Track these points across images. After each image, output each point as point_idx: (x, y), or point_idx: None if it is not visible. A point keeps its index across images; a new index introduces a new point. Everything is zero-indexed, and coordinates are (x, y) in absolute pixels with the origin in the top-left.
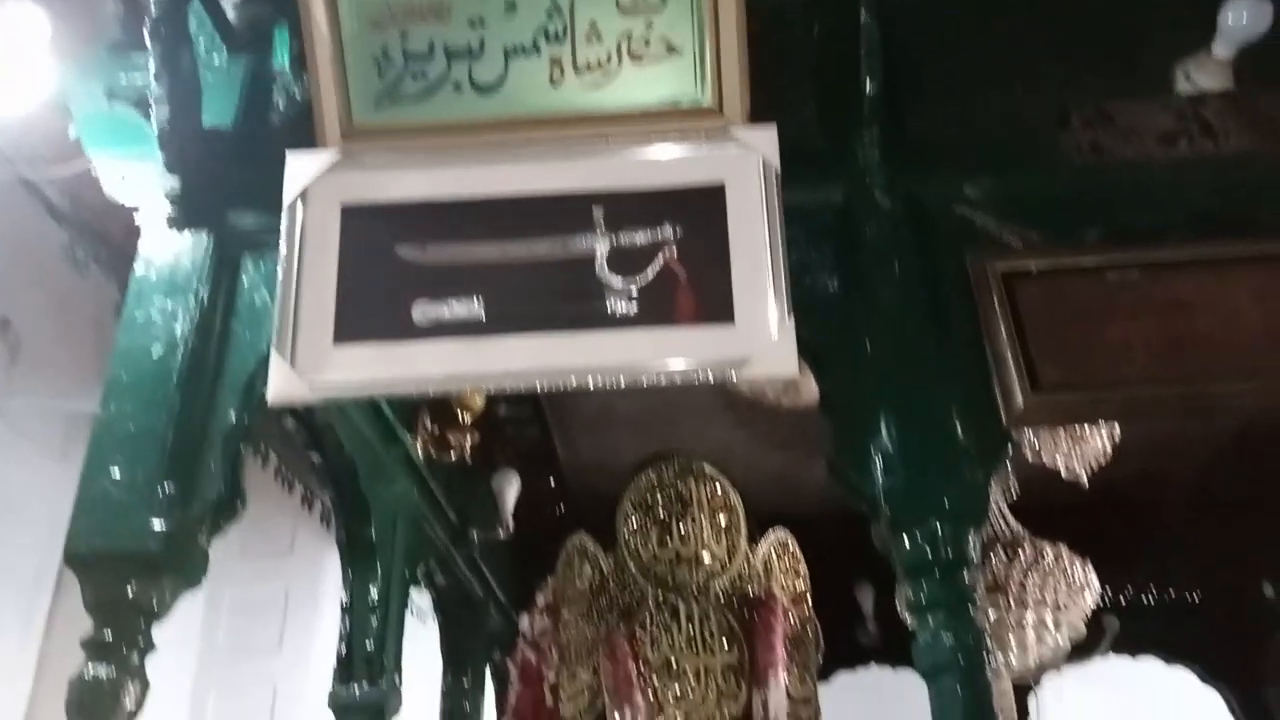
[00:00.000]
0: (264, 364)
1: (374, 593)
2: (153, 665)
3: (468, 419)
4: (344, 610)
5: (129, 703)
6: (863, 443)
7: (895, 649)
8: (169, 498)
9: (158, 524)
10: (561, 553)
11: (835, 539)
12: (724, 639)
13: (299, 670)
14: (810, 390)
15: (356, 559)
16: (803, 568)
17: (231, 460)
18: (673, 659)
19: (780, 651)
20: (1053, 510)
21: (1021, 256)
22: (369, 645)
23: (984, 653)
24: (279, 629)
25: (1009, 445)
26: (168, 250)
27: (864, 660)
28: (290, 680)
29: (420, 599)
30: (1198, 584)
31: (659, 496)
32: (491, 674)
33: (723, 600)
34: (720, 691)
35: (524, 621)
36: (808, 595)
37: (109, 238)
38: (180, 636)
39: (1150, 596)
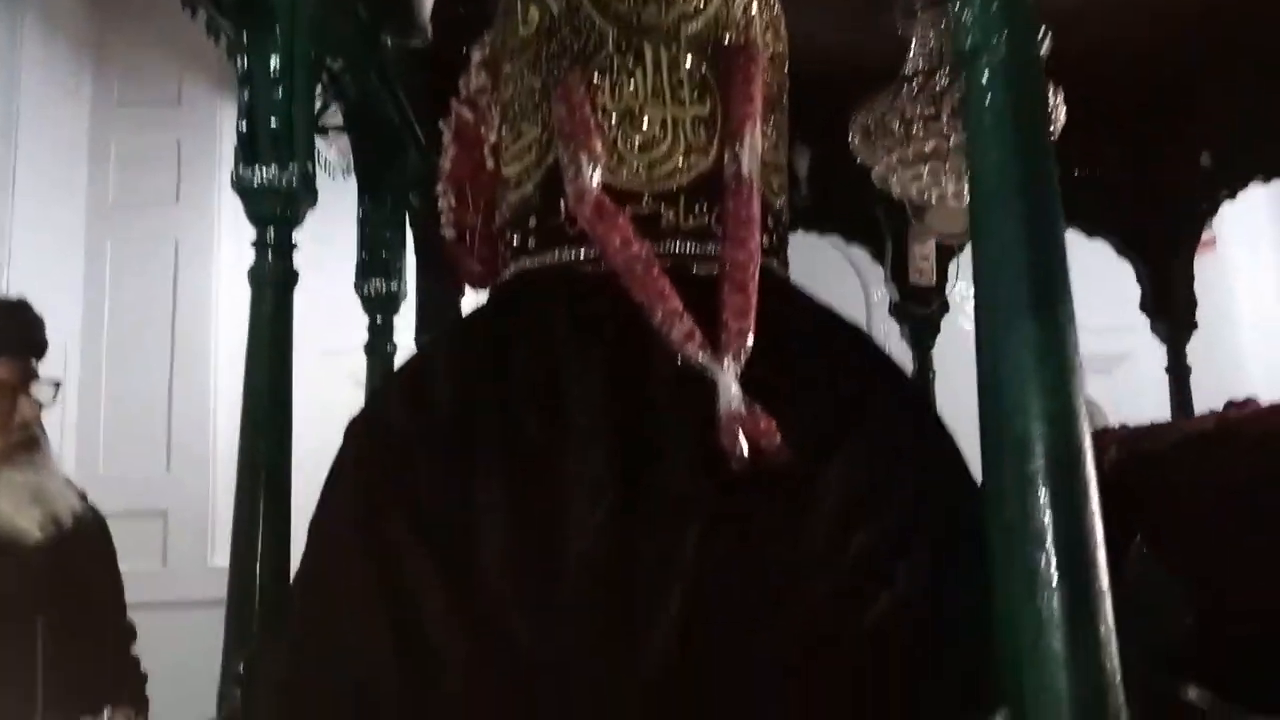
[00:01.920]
0: None
1: (275, 63)
2: (41, 216)
3: None
4: (241, 81)
5: None
6: None
7: (822, 217)
8: None
9: None
10: None
11: None
12: (695, 90)
13: (202, 225)
14: None
15: (250, 20)
16: (784, 30)
17: None
18: (635, 108)
19: (758, 104)
20: None
21: None
22: (274, 123)
23: (1036, 34)
24: (174, 182)
25: None
26: None
27: (793, 227)
28: (192, 234)
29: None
30: (1132, 159)
31: None
32: (409, 217)
33: (695, 46)
34: (689, 145)
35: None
36: (786, 62)
37: None
38: (66, 192)
39: (1082, 170)
